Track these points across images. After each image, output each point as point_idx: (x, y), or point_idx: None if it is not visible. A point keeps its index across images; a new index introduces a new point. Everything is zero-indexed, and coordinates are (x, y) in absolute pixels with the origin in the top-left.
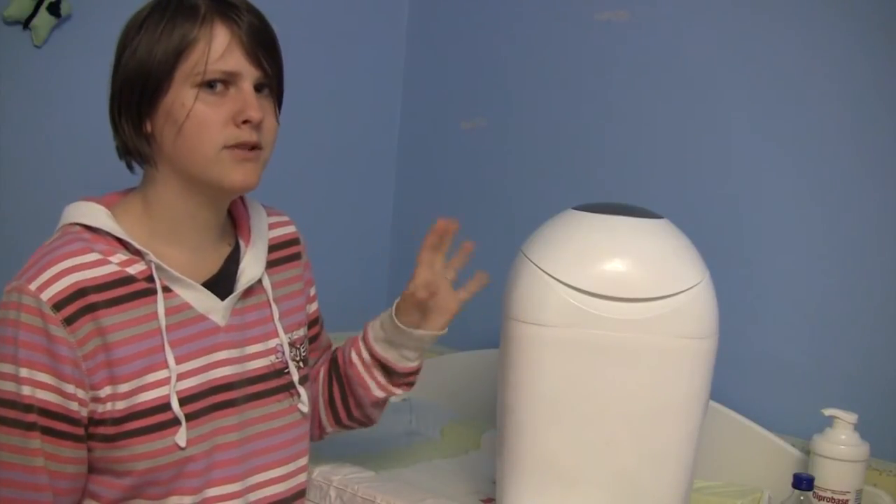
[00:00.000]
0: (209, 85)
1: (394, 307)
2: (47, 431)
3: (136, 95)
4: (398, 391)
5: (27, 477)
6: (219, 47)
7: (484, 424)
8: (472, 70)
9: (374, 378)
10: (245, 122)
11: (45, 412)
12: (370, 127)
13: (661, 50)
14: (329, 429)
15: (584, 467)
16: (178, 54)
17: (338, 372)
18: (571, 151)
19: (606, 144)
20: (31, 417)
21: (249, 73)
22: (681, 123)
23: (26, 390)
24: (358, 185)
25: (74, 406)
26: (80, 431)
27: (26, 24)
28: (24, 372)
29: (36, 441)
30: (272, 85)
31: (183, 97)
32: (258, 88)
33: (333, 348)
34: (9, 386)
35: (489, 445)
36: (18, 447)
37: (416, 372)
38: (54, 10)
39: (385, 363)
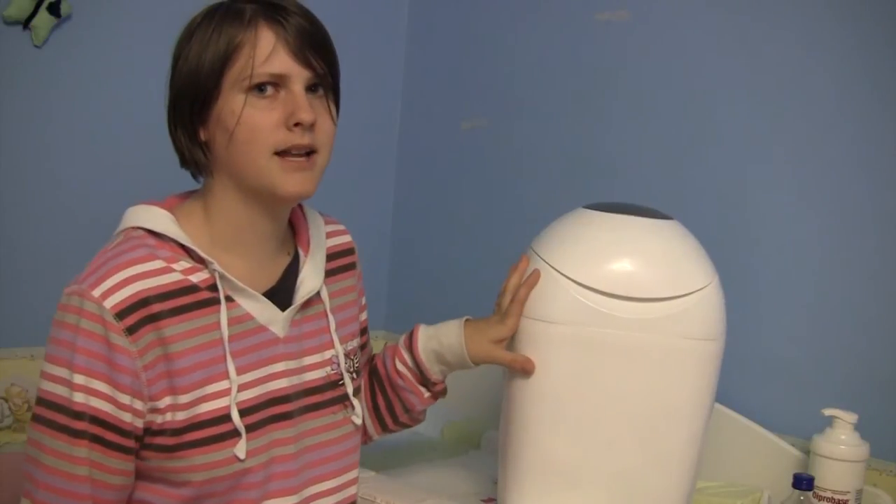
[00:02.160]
0: (258, 89)
1: (464, 334)
2: (97, 440)
3: (189, 104)
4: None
5: (68, 485)
6: (264, 50)
7: (484, 424)
8: (472, 70)
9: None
10: (297, 124)
11: (97, 421)
12: (370, 127)
13: (661, 50)
14: (375, 436)
15: (586, 468)
16: (225, 60)
17: (380, 381)
18: (570, 152)
19: (606, 145)
20: (81, 425)
21: (299, 75)
22: (680, 124)
23: (79, 397)
24: (358, 185)
25: (128, 417)
26: (131, 443)
27: (26, 24)
28: (79, 378)
29: (83, 449)
30: (326, 84)
31: (232, 103)
32: (312, 89)
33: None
34: (61, 390)
35: (489, 445)
36: (63, 453)
37: (442, 382)
38: (54, 10)
39: (423, 370)
